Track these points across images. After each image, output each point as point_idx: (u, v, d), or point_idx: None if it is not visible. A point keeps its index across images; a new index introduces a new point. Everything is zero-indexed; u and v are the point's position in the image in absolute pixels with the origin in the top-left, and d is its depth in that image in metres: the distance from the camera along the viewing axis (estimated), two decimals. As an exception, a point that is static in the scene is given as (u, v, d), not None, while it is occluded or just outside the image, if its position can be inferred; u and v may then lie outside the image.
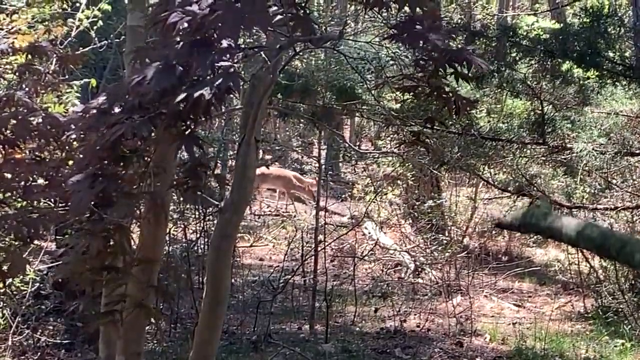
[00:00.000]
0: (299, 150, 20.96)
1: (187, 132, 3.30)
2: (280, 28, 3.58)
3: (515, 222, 2.49)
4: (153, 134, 3.38)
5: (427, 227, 12.11)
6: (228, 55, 3.17)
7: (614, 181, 9.15)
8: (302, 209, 16.57)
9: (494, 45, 7.50)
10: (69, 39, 7.03)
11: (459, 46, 4.55)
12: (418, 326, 9.42)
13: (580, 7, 9.32)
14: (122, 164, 3.45)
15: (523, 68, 7.85)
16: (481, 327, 9.27)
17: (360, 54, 8.06)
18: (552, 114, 8.18)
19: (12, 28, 4.90)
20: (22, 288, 7.53)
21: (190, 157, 3.41)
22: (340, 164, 20.72)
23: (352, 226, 12.03)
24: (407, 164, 11.55)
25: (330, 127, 8.67)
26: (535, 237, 12.59)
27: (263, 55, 3.87)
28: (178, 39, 3.17)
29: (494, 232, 13.26)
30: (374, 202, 12.10)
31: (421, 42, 3.53)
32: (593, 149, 7.79)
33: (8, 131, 3.82)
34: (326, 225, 10.74)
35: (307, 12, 3.51)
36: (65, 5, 7.79)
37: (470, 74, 3.65)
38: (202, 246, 9.72)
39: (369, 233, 13.30)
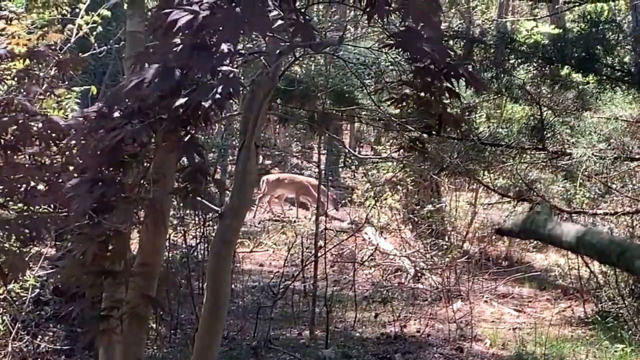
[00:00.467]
0: (299, 156, 20.96)
1: (186, 138, 3.30)
2: (280, 33, 3.58)
3: (515, 229, 2.50)
4: (153, 140, 3.38)
5: (427, 232, 12.11)
6: (228, 60, 3.17)
7: (614, 186, 9.15)
8: (302, 215, 16.58)
9: (492, 51, 7.50)
10: (69, 44, 7.03)
11: (459, 54, 4.53)
12: (418, 331, 9.41)
13: (578, 13, 9.34)
14: (121, 169, 3.45)
15: (522, 74, 7.85)
16: (481, 333, 9.27)
17: (359, 59, 8.07)
18: (551, 119, 8.18)
19: (11, 34, 4.90)
20: (22, 294, 7.52)
21: (190, 162, 3.41)
22: (340, 169, 20.71)
23: (353, 232, 12.03)
24: (406, 169, 11.55)
25: (330, 132, 8.67)
26: (535, 242, 12.59)
27: (263, 61, 3.88)
28: (178, 41, 3.16)
29: (494, 237, 13.26)
30: (374, 207, 12.10)
31: (419, 54, 3.53)
32: (593, 154, 7.79)
33: (9, 135, 3.83)
34: (326, 231, 10.73)
35: (307, 17, 3.51)
36: (64, 11, 7.80)
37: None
38: (202, 252, 9.71)
39: (369, 238, 13.30)
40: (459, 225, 13.50)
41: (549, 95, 8.10)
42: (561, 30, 8.66)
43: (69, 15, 7.86)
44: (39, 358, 7.48)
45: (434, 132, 4.28)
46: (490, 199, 12.42)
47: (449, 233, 12.98)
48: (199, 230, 9.80)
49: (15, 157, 3.98)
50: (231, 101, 3.42)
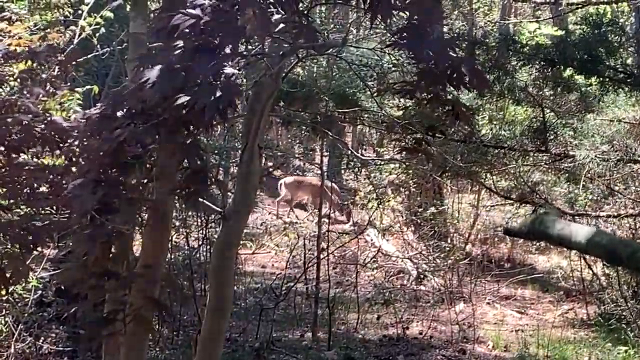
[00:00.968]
0: (301, 158, 20.95)
1: (188, 140, 3.30)
2: (282, 35, 3.58)
3: (524, 229, 2.50)
4: (155, 141, 3.37)
5: (429, 234, 12.10)
6: (230, 62, 3.16)
7: (617, 188, 9.14)
8: (305, 216, 16.58)
9: (494, 53, 7.50)
10: (72, 46, 7.04)
11: (461, 54, 4.52)
12: (421, 333, 9.40)
13: (581, 16, 9.33)
14: (124, 170, 3.44)
15: (524, 76, 7.84)
16: (484, 334, 9.26)
17: (362, 60, 8.07)
18: (554, 121, 8.17)
19: (14, 35, 4.90)
20: (24, 295, 7.51)
21: (191, 164, 3.40)
22: (343, 171, 20.68)
23: (356, 234, 12.02)
24: (409, 171, 11.54)
25: (332, 134, 8.66)
26: (537, 244, 12.59)
27: (266, 62, 3.87)
28: (180, 43, 3.16)
29: (496, 238, 13.25)
30: (377, 209, 12.10)
31: (422, 52, 3.53)
32: (595, 156, 7.78)
33: (13, 136, 3.83)
34: (328, 233, 10.73)
35: (310, 19, 3.51)
36: (66, 13, 7.81)
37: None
38: (204, 253, 9.71)
39: (372, 240, 13.29)
40: (462, 227, 13.49)
41: (551, 97, 8.09)
42: (564, 32, 8.65)
43: (71, 17, 7.86)
44: (42, 359, 7.48)
45: (437, 134, 4.27)
46: (492, 201, 12.42)
47: (451, 235, 12.96)
48: (201, 232, 9.80)
49: (18, 158, 3.98)
50: (233, 104, 3.40)
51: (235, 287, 9.00)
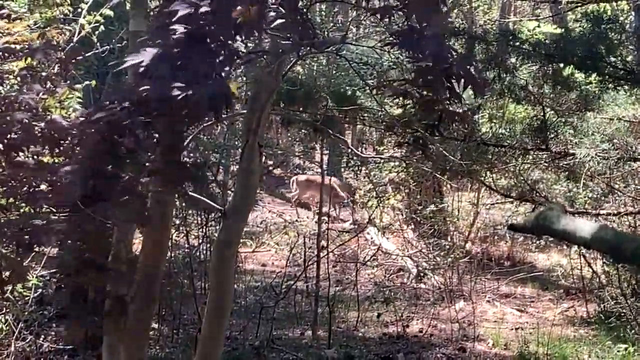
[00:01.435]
0: (301, 156, 20.95)
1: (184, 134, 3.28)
2: (282, 32, 3.58)
3: (528, 224, 2.49)
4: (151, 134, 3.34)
5: (429, 233, 12.11)
6: (223, 57, 3.14)
7: (617, 186, 9.14)
8: (305, 215, 16.58)
9: (494, 49, 7.48)
10: (71, 44, 7.03)
11: (461, 53, 4.49)
12: (421, 331, 9.41)
13: (581, 12, 9.31)
14: (117, 163, 3.40)
15: (524, 74, 7.83)
16: (484, 333, 9.27)
17: (362, 59, 8.06)
18: (554, 119, 8.16)
19: (14, 34, 4.89)
20: (24, 294, 7.52)
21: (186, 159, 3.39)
22: (343, 170, 20.69)
23: (356, 233, 12.02)
24: (409, 170, 11.54)
25: (333, 133, 8.66)
26: (538, 241, 12.59)
27: (265, 60, 3.87)
28: (178, 29, 3.12)
29: (496, 237, 13.25)
30: (377, 207, 12.10)
31: (420, 54, 3.53)
32: (596, 154, 7.77)
33: (13, 134, 3.81)
34: (328, 231, 10.73)
35: (306, 17, 3.50)
36: (66, 11, 7.80)
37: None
38: (204, 252, 9.72)
39: (372, 238, 13.29)
40: (462, 225, 13.49)
41: (551, 96, 8.08)
42: (563, 30, 8.64)
43: (71, 15, 7.85)
44: (42, 358, 7.49)
45: (435, 132, 4.27)
46: (492, 199, 12.41)
47: (451, 233, 12.97)
48: (201, 230, 9.81)
49: (18, 157, 3.97)
50: (233, 100, 3.38)
51: (235, 286, 9.01)
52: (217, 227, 8.12)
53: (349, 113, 8.59)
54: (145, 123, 3.16)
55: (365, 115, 8.91)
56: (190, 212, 9.43)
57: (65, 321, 7.65)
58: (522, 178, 8.82)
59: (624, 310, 9.16)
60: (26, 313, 7.55)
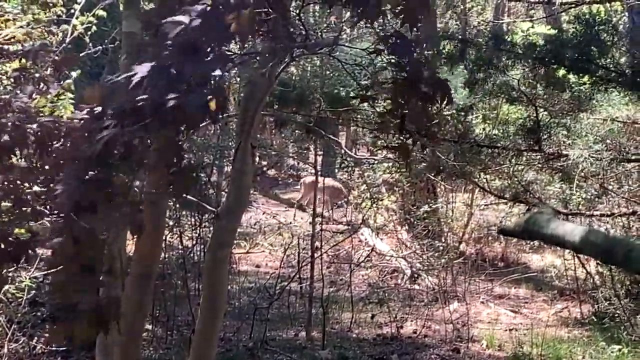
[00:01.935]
0: (295, 157, 20.95)
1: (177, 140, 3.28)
2: (273, 35, 3.57)
3: (518, 228, 2.49)
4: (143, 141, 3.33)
5: (423, 233, 12.11)
6: (217, 65, 3.14)
7: (610, 187, 9.15)
8: (299, 216, 16.58)
9: (485, 52, 7.48)
10: (64, 44, 7.01)
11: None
12: (415, 332, 9.41)
13: (574, 15, 9.32)
14: (110, 170, 3.39)
15: (517, 74, 7.83)
16: (478, 334, 9.27)
17: (356, 60, 8.06)
18: (547, 120, 8.17)
19: (7, 35, 4.88)
20: (17, 295, 7.50)
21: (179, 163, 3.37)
22: (337, 170, 20.70)
23: (350, 233, 12.03)
24: (403, 170, 11.52)
25: (326, 134, 8.66)
26: (531, 243, 12.59)
27: (258, 62, 3.87)
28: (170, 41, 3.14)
29: (490, 238, 13.25)
30: (371, 208, 12.10)
31: (405, 58, 3.55)
32: (589, 155, 7.78)
33: (5, 136, 3.78)
34: (322, 232, 10.73)
35: (289, 19, 3.50)
36: (59, 11, 7.78)
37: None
38: (198, 253, 9.71)
39: (366, 239, 13.29)
40: (456, 226, 13.49)
41: (544, 96, 8.09)
42: (557, 31, 8.65)
43: (64, 16, 7.83)
44: (35, 359, 7.47)
45: (425, 136, 4.27)
46: (486, 200, 12.41)
47: (445, 234, 12.96)
48: (195, 231, 9.80)
49: (10, 159, 3.94)
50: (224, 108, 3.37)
51: (229, 287, 9.00)
52: (211, 228, 8.12)
53: (342, 114, 8.59)
54: (139, 131, 3.16)
55: (358, 116, 8.91)
56: (184, 213, 9.42)
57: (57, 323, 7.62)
58: (515, 179, 8.83)
59: (617, 311, 9.17)
60: (19, 314, 7.54)
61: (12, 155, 3.90)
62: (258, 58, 3.95)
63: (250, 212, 15.23)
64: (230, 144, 10.49)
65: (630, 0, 9.39)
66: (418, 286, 11.46)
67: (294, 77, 9.40)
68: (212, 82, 3.08)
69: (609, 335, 8.92)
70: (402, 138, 4.12)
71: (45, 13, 7.27)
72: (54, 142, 3.77)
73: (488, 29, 16.41)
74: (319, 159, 15.10)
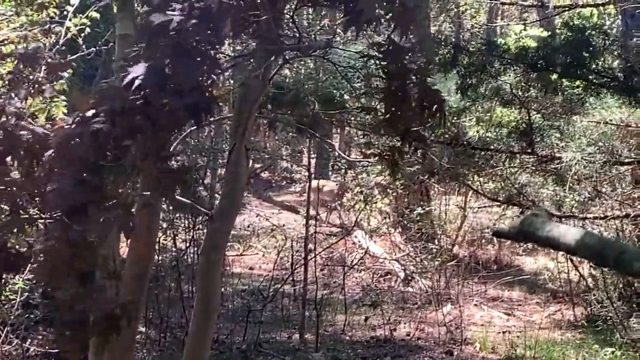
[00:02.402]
0: (289, 159, 20.96)
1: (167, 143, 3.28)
2: (267, 37, 3.58)
3: (512, 231, 2.49)
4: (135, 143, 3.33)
5: (416, 236, 12.12)
6: (209, 66, 3.14)
7: (603, 190, 9.16)
8: (293, 218, 16.57)
9: (477, 58, 7.48)
10: (57, 46, 7.00)
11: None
12: (408, 335, 9.41)
13: (566, 18, 9.34)
14: (102, 172, 3.38)
15: (510, 77, 7.84)
16: (471, 336, 9.28)
17: (349, 62, 8.06)
18: (540, 123, 8.18)
19: (1, 37, 4.88)
20: (10, 297, 7.49)
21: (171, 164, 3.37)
22: (330, 173, 20.71)
23: (342, 235, 12.03)
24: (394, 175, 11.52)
25: (320, 136, 8.66)
26: (524, 245, 12.61)
27: (252, 64, 3.87)
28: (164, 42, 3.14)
29: (483, 240, 13.26)
30: (364, 210, 12.11)
31: (395, 65, 3.57)
32: (582, 157, 7.80)
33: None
34: (316, 234, 10.73)
35: (294, 21, 3.51)
36: (52, 14, 7.77)
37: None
38: (191, 255, 9.70)
39: (359, 242, 13.29)
40: (449, 228, 13.50)
41: (537, 99, 8.10)
42: (548, 35, 8.66)
43: (57, 18, 7.82)
44: (28, 361, 7.46)
45: (416, 139, 4.27)
46: (479, 202, 12.43)
47: (438, 236, 12.98)
48: (188, 233, 9.79)
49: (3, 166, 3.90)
50: (220, 104, 3.38)
51: (222, 289, 8.98)
52: (205, 231, 8.12)
53: (335, 116, 8.59)
54: (129, 132, 3.16)
55: (352, 118, 8.92)
56: (177, 215, 9.41)
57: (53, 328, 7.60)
58: (509, 182, 8.85)
59: (610, 314, 9.18)
60: (12, 317, 7.52)
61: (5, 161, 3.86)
62: (252, 60, 3.95)
63: (243, 215, 15.23)
64: (224, 146, 10.49)
65: (624, 4, 9.42)
66: (411, 289, 11.47)
67: (287, 79, 9.39)
68: (202, 85, 3.09)
69: (602, 337, 8.93)
70: (392, 145, 4.14)
71: (39, 15, 7.27)
72: (45, 152, 3.73)
73: (482, 32, 16.45)
74: (313, 161, 15.10)
